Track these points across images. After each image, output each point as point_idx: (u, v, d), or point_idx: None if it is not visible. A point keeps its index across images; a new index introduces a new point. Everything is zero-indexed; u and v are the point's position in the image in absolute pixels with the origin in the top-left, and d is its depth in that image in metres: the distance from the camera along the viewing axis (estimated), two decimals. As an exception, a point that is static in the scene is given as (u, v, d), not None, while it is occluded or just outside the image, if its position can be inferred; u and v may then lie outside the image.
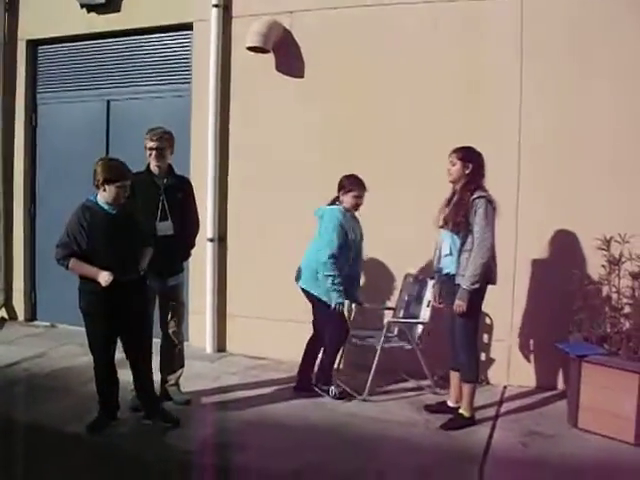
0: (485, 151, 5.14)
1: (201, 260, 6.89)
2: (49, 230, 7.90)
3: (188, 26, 7.37)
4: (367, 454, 4.62)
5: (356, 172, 6.46)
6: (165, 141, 5.39)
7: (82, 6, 7.72)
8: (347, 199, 5.75)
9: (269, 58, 6.91)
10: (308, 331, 6.11)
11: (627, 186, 5.71)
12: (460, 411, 5.18)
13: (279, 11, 6.84)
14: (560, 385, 5.93)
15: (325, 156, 6.74)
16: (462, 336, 5.07)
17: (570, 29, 5.91)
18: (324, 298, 5.71)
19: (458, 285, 4.97)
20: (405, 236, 6.18)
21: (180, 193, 5.48)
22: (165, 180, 5.42)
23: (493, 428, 5.13)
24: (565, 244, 5.87)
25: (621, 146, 5.77)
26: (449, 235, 5.08)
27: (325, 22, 6.75)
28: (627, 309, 5.12)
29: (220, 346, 7.26)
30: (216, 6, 7.03)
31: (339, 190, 5.80)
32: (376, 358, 5.65)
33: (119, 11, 7.64)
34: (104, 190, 4.72)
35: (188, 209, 5.58)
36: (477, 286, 4.89)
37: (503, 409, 5.56)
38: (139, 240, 4.92)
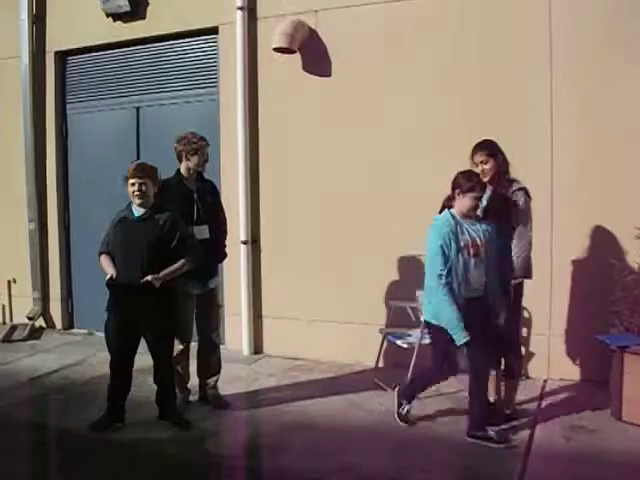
0: (517, 141, 5.09)
1: (235, 263, 6.90)
2: (84, 239, 8.01)
3: (213, 30, 7.38)
4: (408, 454, 4.58)
5: (385, 170, 6.47)
6: (205, 147, 5.48)
7: (108, 15, 7.77)
8: (464, 202, 4.69)
9: (296, 58, 6.90)
10: (345, 331, 6.10)
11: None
12: (507, 412, 5.14)
13: (304, 10, 6.82)
14: (602, 377, 5.84)
15: (356, 155, 6.71)
16: (511, 331, 5.00)
17: (601, 15, 5.83)
18: (433, 321, 4.79)
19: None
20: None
21: (211, 197, 5.53)
22: (195, 184, 5.46)
23: (535, 422, 5.07)
24: (603, 234, 5.77)
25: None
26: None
27: (350, 19, 6.71)
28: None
29: (257, 348, 7.27)
30: (241, 8, 7.03)
31: (453, 190, 4.80)
32: (414, 356, 5.61)
33: (144, 18, 7.68)
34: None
35: (221, 213, 5.66)
36: (520, 280, 4.86)
37: (544, 403, 5.49)
38: (164, 247, 4.89)
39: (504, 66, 6.14)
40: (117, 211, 5.12)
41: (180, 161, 5.45)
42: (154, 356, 5.07)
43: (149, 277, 4.74)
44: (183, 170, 5.44)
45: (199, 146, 5.40)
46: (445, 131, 6.29)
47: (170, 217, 4.97)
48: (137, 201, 4.92)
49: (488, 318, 4.73)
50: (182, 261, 4.94)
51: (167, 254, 4.89)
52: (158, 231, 4.89)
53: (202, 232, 5.34)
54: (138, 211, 4.96)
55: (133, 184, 4.90)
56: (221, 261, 5.77)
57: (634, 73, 5.71)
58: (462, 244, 4.59)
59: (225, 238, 5.73)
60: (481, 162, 4.96)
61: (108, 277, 4.86)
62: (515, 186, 4.92)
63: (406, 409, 5.09)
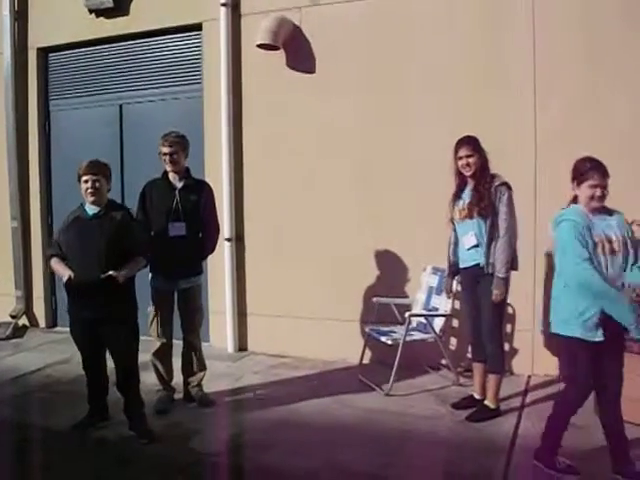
0: (502, 138, 5.11)
1: (219, 260, 6.89)
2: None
3: (197, 26, 7.36)
4: (392, 449, 4.59)
5: (372, 167, 6.47)
6: (178, 145, 5.38)
7: (91, 11, 7.73)
8: (583, 193, 4.09)
9: (280, 55, 6.89)
10: (329, 328, 6.10)
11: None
12: (485, 402, 5.14)
13: (288, 7, 6.82)
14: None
15: (340, 152, 6.72)
16: (492, 326, 5.04)
17: (585, 13, 5.86)
18: (561, 332, 4.07)
19: (489, 275, 4.94)
20: (425, 228, 6.14)
21: (195, 195, 5.44)
22: (180, 183, 5.42)
23: (519, 419, 5.09)
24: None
25: (634, 130, 5.70)
26: (474, 226, 5.02)
27: (334, 16, 6.71)
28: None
29: (241, 345, 7.26)
30: (224, 5, 7.01)
31: (572, 181, 4.23)
32: (398, 352, 5.62)
33: (127, 15, 7.65)
34: None
35: (206, 213, 5.52)
36: (509, 274, 4.92)
37: (528, 399, 5.52)
38: (118, 246, 4.72)
39: (489, 63, 6.17)
40: (67, 214, 4.99)
41: None
42: (115, 360, 4.92)
43: (112, 272, 4.59)
44: (168, 170, 5.45)
45: (169, 152, 5.35)
46: (429, 128, 6.31)
47: (125, 214, 4.90)
48: (90, 199, 4.80)
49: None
50: (140, 257, 4.86)
51: (123, 252, 4.74)
52: (114, 228, 4.74)
53: (176, 229, 5.30)
54: (92, 209, 4.83)
55: (86, 181, 4.81)
56: (200, 261, 5.63)
57: (617, 71, 5.76)
58: (596, 240, 3.93)
59: (213, 240, 5.64)
60: (466, 156, 5.00)
61: (66, 279, 4.67)
62: (497, 181, 4.96)
63: (563, 463, 4.15)
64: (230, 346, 7.21)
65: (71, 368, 6.53)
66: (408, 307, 6.14)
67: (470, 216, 5.03)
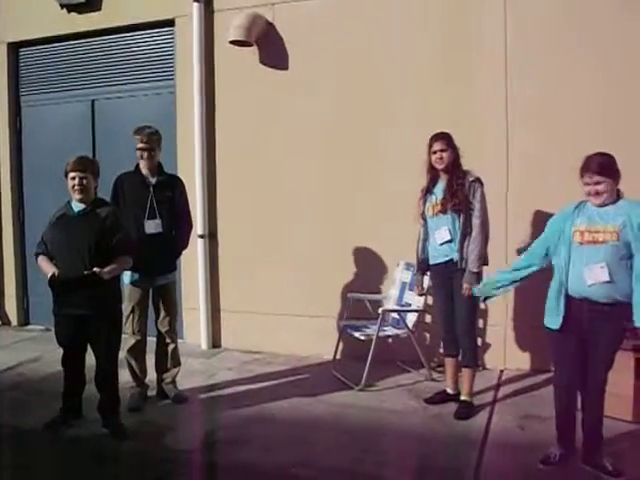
0: (474, 133, 5.16)
1: (193, 257, 6.87)
2: (39, 234, 7.90)
3: (170, 22, 7.33)
4: (366, 444, 4.60)
5: (343, 165, 6.49)
6: (154, 142, 5.38)
7: (62, 6, 7.66)
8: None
9: (252, 51, 6.88)
10: (302, 324, 6.10)
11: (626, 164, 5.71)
12: (463, 398, 5.18)
13: (261, 3, 6.81)
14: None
15: (313, 148, 6.73)
16: (467, 321, 5.09)
17: (556, 8, 5.91)
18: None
19: (462, 270, 4.98)
20: (397, 225, 6.17)
21: (169, 191, 5.43)
22: (154, 178, 5.40)
23: (491, 412, 5.14)
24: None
25: (606, 123, 5.76)
26: (448, 221, 5.05)
27: (307, 13, 6.72)
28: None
29: (215, 342, 7.25)
30: (197, 1, 6.99)
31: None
32: (372, 348, 5.64)
33: (100, 10, 7.59)
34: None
35: (179, 208, 5.52)
36: (482, 268, 4.96)
37: (500, 393, 5.56)
38: (104, 243, 4.72)
39: (461, 59, 6.21)
40: (54, 211, 4.93)
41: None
42: (97, 357, 4.89)
43: (97, 269, 4.56)
44: (141, 165, 5.42)
45: (146, 147, 5.33)
46: (401, 126, 6.33)
47: (112, 211, 4.87)
48: (77, 196, 4.75)
49: None
50: (126, 256, 4.84)
51: (109, 249, 4.73)
52: (100, 225, 4.72)
53: (151, 226, 5.31)
54: (78, 206, 4.79)
55: (73, 178, 4.73)
56: (176, 258, 5.63)
57: (587, 67, 5.81)
58: (573, 229, 4.01)
59: (186, 235, 5.64)
60: (440, 150, 5.04)
61: (50, 275, 4.65)
62: (470, 177, 5.02)
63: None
64: (204, 343, 7.20)
65: (43, 367, 6.50)
66: (381, 303, 6.16)
67: (444, 211, 5.06)
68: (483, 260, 4.99)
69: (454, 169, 5.06)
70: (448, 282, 5.13)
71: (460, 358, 5.22)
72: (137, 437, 4.81)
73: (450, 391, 5.37)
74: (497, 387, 5.71)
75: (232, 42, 6.68)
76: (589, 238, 3.92)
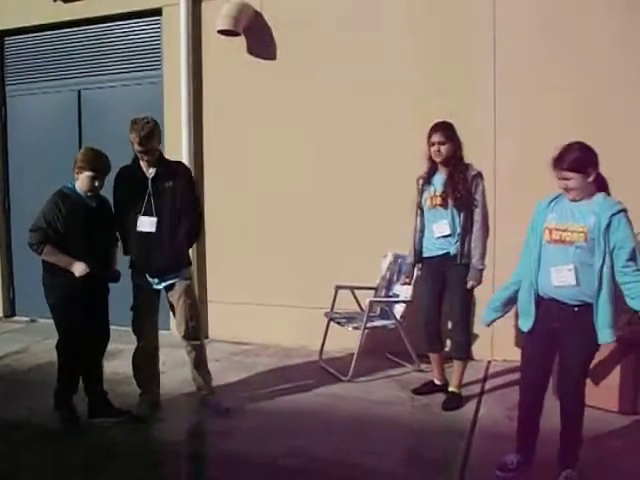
0: (463, 130, 5.13)
1: (180, 248, 6.84)
2: (25, 224, 7.82)
3: (157, 11, 7.28)
4: (354, 435, 4.61)
5: (331, 155, 6.48)
6: (153, 141, 4.86)
7: (48, -5, 7.60)
8: None
9: (240, 41, 6.85)
10: (290, 315, 6.09)
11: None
12: (452, 389, 5.19)
13: (249, -7, 6.78)
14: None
15: (301, 138, 6.72)
16: (463, 314, 5.08)
17: (543, 11, 5.93)
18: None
19: (460, 265, 4.96)
20: (385, 216, 6.17)
21: (170, 181, 4.90)
22: (153, 170, 4.92)
23: (479, 403, 5.15)
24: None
25: (591, 130, 5.76)
26: (448, 215, 4.99)
27: (295, 3, 6.70)
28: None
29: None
30: (185, -10, 6.96)
31: None
32: (359, 339, 5.64)
33: (86, -1, 7.54)
34: (78, 178, 4.75)
35: (183, 199, 4.93)
36: (485, 265, 4.95)
37: (488, 385, 5.59)
38: (112, 238, 4.96)
39: (451, 55, 6.23)
40: (54, 194, 4.77)
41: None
42: (98, 355, 5.01)
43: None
44: (141, 161, 4.98)
45: (143, 150, 4.85)
46: (392, 118, 6.33)
47: (109, 205, 5.01)
48: (90, 193, 4.76)
49: None
50: (115, 249, 5.03)
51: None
52: (109, 218, 4.92)
53: (145, 223, 4.86)
54: (91, 200, 4.82)
55: (94, 177, 4.70)
56: (175, 257, 4.95)
57: (572, 66, 5.84)
58: (543, 226, 3.89)
59: (192, 228, 5.02)
60: (438, 142, 4.95)
61: (82, 271, 4.59)
62: (473, 171, 4.97)
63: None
64: (191, 334, 7.18)
65: (29, 358, 6.48)
66: (369, 294, 6.16)
67: (444, 205, 4.98)
68: (484, 260, 4.97)
69: (455, 162, 4.97)
70: (440, 276, 5.10)
71: (452, 349, 5.23)
72: (125, 428, 4.80)
73: (437, 382, 5.39)
74: (484, 379, 5.74)
75: (220, 32, 6.65)
76: (556, 237, 3.75)
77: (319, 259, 6.66)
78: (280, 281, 6.79)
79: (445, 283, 5.09)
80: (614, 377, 4.85)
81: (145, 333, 5.10)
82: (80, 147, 7.60)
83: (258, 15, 6.81)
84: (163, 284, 5.00)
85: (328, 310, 6.20)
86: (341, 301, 6.19)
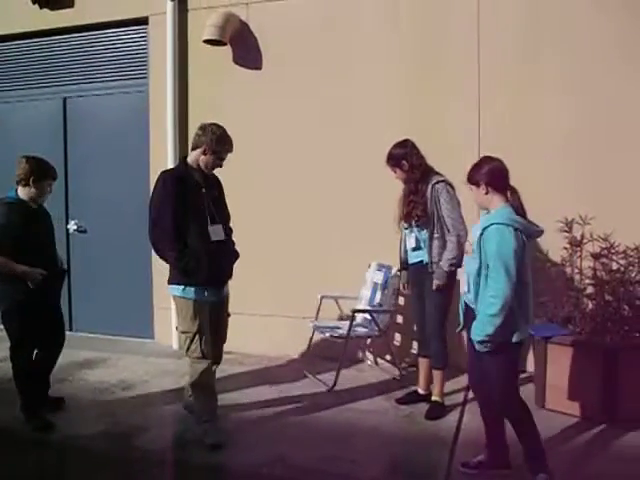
0: (447, 138, 5.17)
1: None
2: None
3: (144, 20, 7.29)
4: (337, 444, 4.62)
5: (316, 165, 6.50)
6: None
7: (34, 2, 7.57)
8: None
9: (226, 50, 6.87)
10: (274, 324, 6.08)
11: (583, 169, 5.80)
12: (434, 399, 5.21)
13: (235, 3, 6.81)
14: (527, 367, 5.98)
15: (285, 148, 6.74)
16: (436, 323, 5.10)
17: (527, 17, 5.99)
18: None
19: (432, 273, 4.99)
20: (369, 226, 6.19)
21: (215, 190, 4.83)
22: (201, 176, 4.71)
23: (462, 412, 5.15)
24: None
25: (575, 129, 5.85)
26: (413, 231, 5.12)
27: (281, 13, 6.72)
28: (589, 289, 5.19)
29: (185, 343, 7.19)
30: (171, -1, 6.98)
31: None
32: (344, 348, 5.65)
33: (72, 7, 7.52)
34: (30, 187, 4.90)
35: (225, 206, 4.95)
36: (453, 269, 4.95)
37: (471, 394, 5.58)
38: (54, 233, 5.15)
39: (433, 64, 6.27)
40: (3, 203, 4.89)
41: (194, 150, 4.79)
42: (56, 354, 5.17)
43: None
44: (192, 161, 4.75)
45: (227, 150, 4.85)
46: (374, 126, 6.36)
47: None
48: (42, 199, 5.01)
49: None
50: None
51: None
52: (49, 216, 5.13)
53: (217, 232, 4.65)
54: (34, 204, 4.97)
55: (50, 185, 5.03)
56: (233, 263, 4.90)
57: (558, 72, 5.89)
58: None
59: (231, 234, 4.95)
60: (392, 171, 5.13)
61: (38, 278, 4.71)
62: (433, 179, 4.99)
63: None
64: (175, 343, 7.15)
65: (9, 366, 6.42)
66: (353, 303, 6.18)
67: (408, 225, 5.14)
68: (455, 261, 4.95)
69: (413, 184, 5.04)
70: (420, 283, 5.17)
71: (431, 359, 5.25)
72: (108, 437, 4.78)
73: (421, 391, 5.40)
74: (468, 388, 5.72)
75: (206, 41, 6.67)
76: (468, 248, 4.07)
77: (303, 269, 6.66)
78: (264, 290, 6.79)
79: (423, 290, 5.15)
80: (594, 385, 4.88)
81: (209, 353, 4.68)
82: (65, 155, 7.61)
83: (244, 25, 6.83)
84: (222, 295, 4.88)
85: (312, 319, 6.21)
86: (325, 311, 6.21)
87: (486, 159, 3.98)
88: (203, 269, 4.50)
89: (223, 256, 4.68)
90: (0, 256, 4.67)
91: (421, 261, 5.11)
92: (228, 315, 5.00)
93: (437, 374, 5.20)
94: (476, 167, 3.92)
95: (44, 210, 5.08)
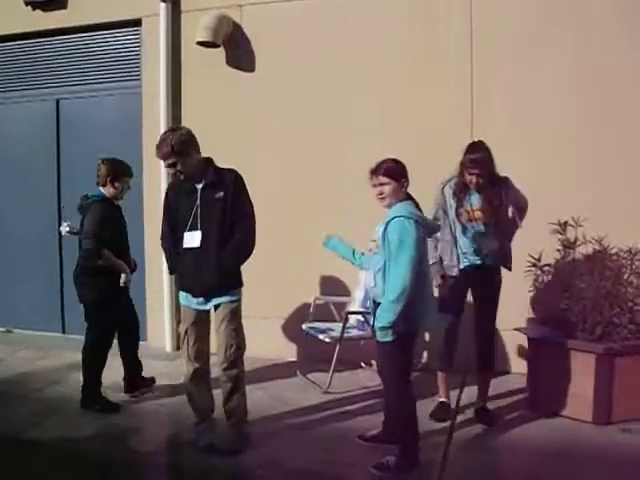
0: (439, 139, 5.17)
1: (157, 257, 6.80)
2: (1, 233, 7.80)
3: (137, 22, 7.28)
4: (332, 447, 4.61)
5: (310, 167, 6.50)
6: (175, 155, 4.55)
7: (27, 3, 7.55)
8: None
9: (219, 52, 6.87)
10: (267, 326, 6.07)
11: (577, 171, 5.83)
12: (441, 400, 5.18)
13: (228, 5, 6.81)
14: (519, 369, 5.98)
15: (278, 149, 6.75)
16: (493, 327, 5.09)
17: (521, 17, 6.02)
18: None
19: None
20: (362, 226, 6.19)
21: (220, 192, 4.53)
22: (202, 181, 4.59)
23: (455, 414, 5.16)
24: (521, 229, 5.91)
25: (570, 132, 5.87)
26: None
27: (274, 15, 6.73)
28: (582, 291, 5.19)
29: (179, 344, 7.16)
30: (164, 1, 6.97)
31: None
32: (337, 350, 5.65)
33: (65, 8, 7.50)
34: (111, 186, 5.37)
35: (235, 210, 4.57)
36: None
37: (464, 395, 5.59)
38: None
39: (426, 60, 6.29)
40: (95, 203, 5.34)
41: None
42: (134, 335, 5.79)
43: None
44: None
45: (168, 166, 4.69)
46: (368, 126, 6.38)
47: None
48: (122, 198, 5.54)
49: None
50: None
51: None
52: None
53: (192, 239, 4.49)
54: (115, 200, 5.51)
55: (127, 182, 5.52)
56: (223, 275, 4.50)
57: (552, 73, 5.92)
58: None
59: (232, 244, 4.54)
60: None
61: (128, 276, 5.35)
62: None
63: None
64: (168, 345, 7.15)
65: (4, 369, 6.40)
66: (346, 305, 6.19)
67: None
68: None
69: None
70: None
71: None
72: (101, 439, 4.77)
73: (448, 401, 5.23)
74: (461, 389, 5.74)
75: (199, 43, 6.67)
76: (372, 245, 4.33)
77: (296, 270, 6.66)
78: (256, 292, 6.73)
79: None
80: (587, 386, 4.88)
81: (198, 357, 4.64)
82: (58, 156, 7.59)
83: (237, 27, 6.83)
84: (209, 305, 4.61)
85: (305, 321, 6.21)
86: (318, 312, 6.21)
87: (393, 159, 4.29)
88: (180, 275, 4.70)
89: (201, 264, 4.46)
90: (105, 249, 5.21)
91: None
92: (231, 328, 4.57)
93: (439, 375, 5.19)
94: (395, 162, 4.25)
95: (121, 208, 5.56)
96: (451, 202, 4.90)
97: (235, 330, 4.57)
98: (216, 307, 4.60)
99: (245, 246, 4.63)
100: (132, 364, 5.66)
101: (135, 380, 5.67)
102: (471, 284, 4.98)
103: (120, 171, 5.41)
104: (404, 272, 3.89)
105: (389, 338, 3.99)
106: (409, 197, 4.22)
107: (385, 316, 3.94)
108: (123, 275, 5.31)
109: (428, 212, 4.66)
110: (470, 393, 5.21)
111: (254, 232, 4.69)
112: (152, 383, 5.80)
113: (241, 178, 4.71)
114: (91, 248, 5.16)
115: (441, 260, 4.98)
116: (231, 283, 4.61)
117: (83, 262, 5.35)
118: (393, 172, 4.17)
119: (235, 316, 4.61)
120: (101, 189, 5.42)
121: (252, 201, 4.71)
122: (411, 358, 4.30)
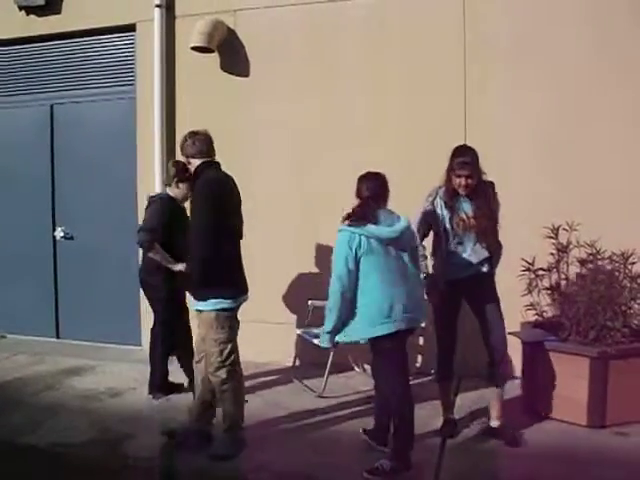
0: (433, 144, 5.18)
1: (152, 263, 6.82)
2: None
3: (131, 27, 7.29)
4: (325, 450, 4.62)
5: (304, 172, 6.52)
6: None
7: (21, 8, 7.57)
8: None
9: (214, 58, 6.88)
10: (262, 331, 6.06)
11: (569, 176, 5.85)
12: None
13: (222, 10, 6.83)
14: (514, 372, 5.99)
15: (273, 154, 6.75)
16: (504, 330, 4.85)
17: (513, 23, 6.04)
18: None
19: None
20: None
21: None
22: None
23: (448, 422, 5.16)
24: (515, 233, 5.89)
25: (563, 136, 5.89)
26: None
27: (269, 20, 6.75)
28: (575, 295, 5.20)
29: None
30: (159, 6, 6.98)
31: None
32: (331, 354, 5.65)
33: (59, 13, 7.51)
34: (176, 187, 5.54)
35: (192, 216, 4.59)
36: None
37: (459, 400, 5.60)
38: None
39: (419, 65, 6.31)
40: (157, 200, 5.52)
41: (194, 157, 4.96)
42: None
43: None
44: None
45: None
46: (365, 131, 6.41)
47: None
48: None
49: None
50: None
51: None
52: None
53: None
54: (181, 201, 5.61)
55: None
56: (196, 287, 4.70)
57: (543, 78, 5.95)
58: None
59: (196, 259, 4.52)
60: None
61: (182, 269, 5.17)
62: None
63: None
64: (163, 350, 7.13)
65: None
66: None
67: None
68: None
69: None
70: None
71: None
72: (96, 445, 4.77)
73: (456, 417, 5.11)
74: (456, 394, 5.75)
75: (193, 48, 6.67)
76: None
77: (291, 274, 6.68)
78: (252, 296, 6.76)
79: None
80: (582, 390, 4.90)
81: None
82: (52, 161, 7.58)
83: (232, 32, 6.85)
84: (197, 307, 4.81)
85: (300, 326, 6.21)
86: (314, 317, 6.21)
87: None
88: (237, 276, 5.01)
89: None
90: (156, 243, 5.30)
91: None
92: (210, 340, 4.73)
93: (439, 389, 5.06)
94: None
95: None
96: (444, 214, 4.75)
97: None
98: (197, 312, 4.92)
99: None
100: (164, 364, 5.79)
101: (167, 383, 5.76)
102: (468, 294, 4.84)
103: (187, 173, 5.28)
104: (333, 282, 4.31)
105: (327, 344, 4.34)
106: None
107: (325, 325, 4.26)
108: (179, 265, 5.28)
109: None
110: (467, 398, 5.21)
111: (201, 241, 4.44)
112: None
113: (202, 185, 4.60)
114: (143, 240, 5.29)
115: (432, 273, 4.86)
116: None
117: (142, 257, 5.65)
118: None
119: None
120: (167, 189, 5.67)
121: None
122: (395, 360, 4.21)
